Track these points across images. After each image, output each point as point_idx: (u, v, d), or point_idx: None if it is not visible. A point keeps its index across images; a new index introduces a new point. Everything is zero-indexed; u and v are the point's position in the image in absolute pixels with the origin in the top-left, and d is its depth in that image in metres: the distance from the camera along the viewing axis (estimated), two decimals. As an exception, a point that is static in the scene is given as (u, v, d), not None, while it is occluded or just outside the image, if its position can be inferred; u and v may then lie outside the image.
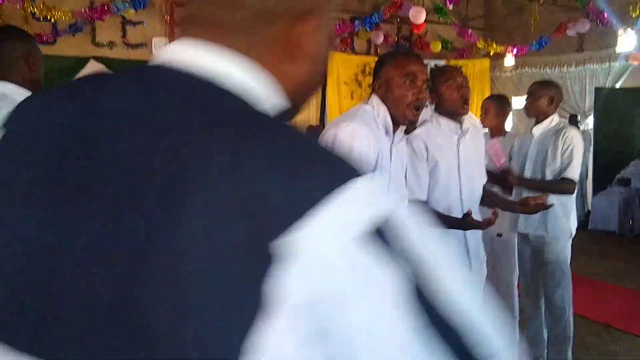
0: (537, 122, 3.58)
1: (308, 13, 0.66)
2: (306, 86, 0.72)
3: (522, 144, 3.71)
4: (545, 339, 3.64)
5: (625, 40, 9.16)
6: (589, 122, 9.89)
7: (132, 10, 8.84)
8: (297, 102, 0.71)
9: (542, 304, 3.62)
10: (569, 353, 3.52)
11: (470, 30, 11.06)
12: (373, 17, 10.34)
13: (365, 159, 1.91)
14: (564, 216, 3.46)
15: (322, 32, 0.70)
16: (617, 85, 9.62)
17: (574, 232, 3.55)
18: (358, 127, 1.97)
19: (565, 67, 10.35)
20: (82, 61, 8.72)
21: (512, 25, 12.12)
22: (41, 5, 8.19)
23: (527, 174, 3.53)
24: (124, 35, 9.36)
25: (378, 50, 11.85)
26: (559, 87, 3.69)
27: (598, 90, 9.28)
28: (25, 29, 8.63)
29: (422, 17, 9.46)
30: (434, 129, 2.71)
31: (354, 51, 11.56)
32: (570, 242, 3.54)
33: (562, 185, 3.38)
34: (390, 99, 2.09)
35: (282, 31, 0.65)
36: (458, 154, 2.69)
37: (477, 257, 2.72)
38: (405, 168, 2.35)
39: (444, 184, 2.63)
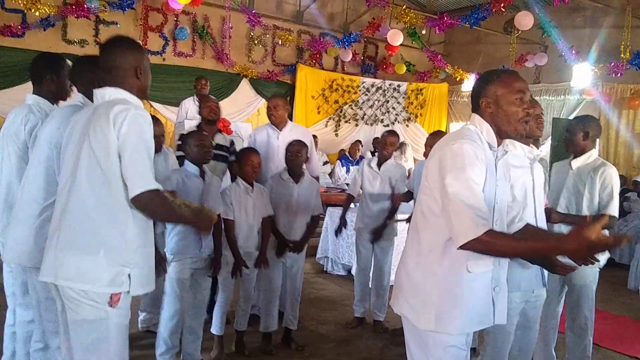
0: (575, 156, 3.63)
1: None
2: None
3: (558, 175, 3.73)
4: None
5: (580, 76, 9.72)
6: (544, 150, 10.40)
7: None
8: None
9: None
10: None
11: (440, 56, 11.42)
12: (351, 36, 10.54)
13: (478, 171, 2.05)
14: None
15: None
16: (571, 118, 10.17)
17: (602, 261, 3.52)
18: (466, 144, 2.10)
19: (522, 96, 10.81)
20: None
21: (471, 53, 12.65)
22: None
23: (562, 204, 3.59)
24: (96, 35, 9.23)
25: (344, 67, 12.13)
26: (594, 121, 3.71)
27: (556, 120, 9.79)
28: (-7, 20, 8.47)
29: (399, 39, 9.73)
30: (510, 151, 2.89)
31: (321, 67, 11.77)
32: (598, 269, 3.60)
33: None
34: (501, 116, 2.19)
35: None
36: (533, 178, 2.86)
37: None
38: (509, 182, 2.45)
39: (521, 206, 2.75)
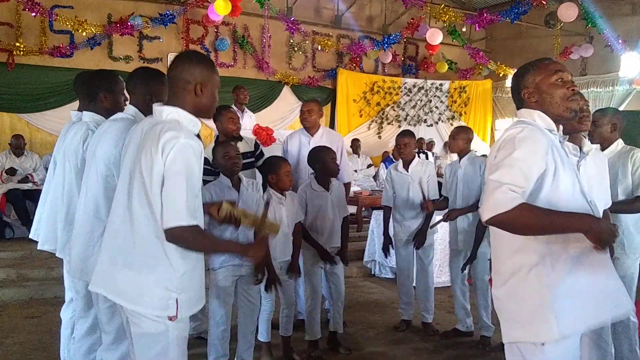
0: (603, 148, 3.57)
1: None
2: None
3: None
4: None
5: (628, 65, 9.43)
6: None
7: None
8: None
9: None
10: None
11: (481, 52, 11.24)
12: (391, 38, 10.50)
13: (532, 150, 1.97)
14: (637, 233, 3.52)
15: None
16: (621, 109, 9.86)
17: None
18: (513, 129, 2.04)
19: (568, 89, 10.57)
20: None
21: (513, 48, 12.43)
22: (73, 17, 8.36)
23: None
24: (140, 50, 9.51)
25: (385, 69, 12.10)
26: (620, 113, 3.73)
27: (603, 112, 9.53)
28: (43, 41, 8.83)
29: (438, 38, 9.65)
30: None
31: (362, 70, 11.77)
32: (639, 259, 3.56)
33: (636, 204, 3.43)
34: (547, 100, 2.14)
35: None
36: (578, 178, 2.76)
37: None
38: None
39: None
